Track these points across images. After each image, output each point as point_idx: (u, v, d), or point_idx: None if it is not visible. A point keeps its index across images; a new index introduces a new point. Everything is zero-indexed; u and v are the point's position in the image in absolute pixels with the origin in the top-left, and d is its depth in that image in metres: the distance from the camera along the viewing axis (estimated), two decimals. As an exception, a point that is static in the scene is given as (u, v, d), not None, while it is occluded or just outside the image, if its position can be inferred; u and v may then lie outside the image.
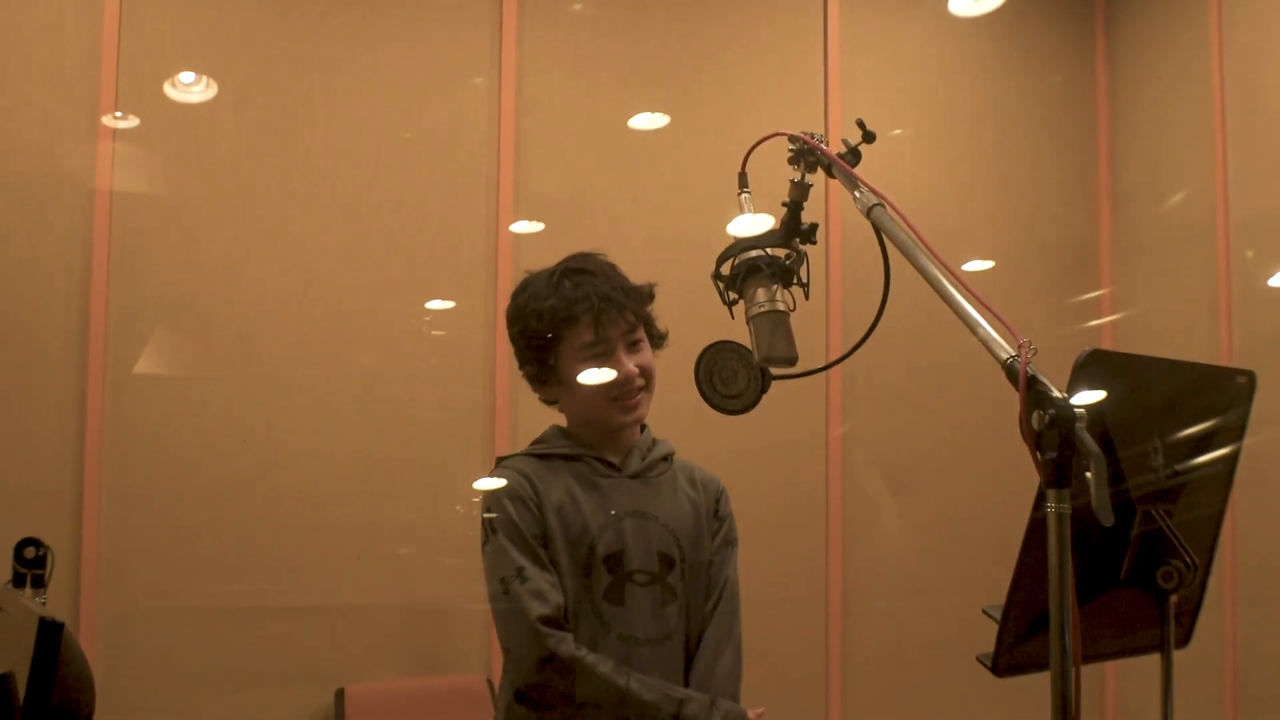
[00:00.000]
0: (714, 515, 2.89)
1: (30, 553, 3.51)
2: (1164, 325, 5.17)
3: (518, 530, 2.67)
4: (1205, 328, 5.00)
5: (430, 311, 4.45)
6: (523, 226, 4.55)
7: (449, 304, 4.48)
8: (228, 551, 4.14)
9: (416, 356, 4.40)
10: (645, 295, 2.85)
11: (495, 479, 2.75)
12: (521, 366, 2.84)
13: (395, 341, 4.39)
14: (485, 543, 2.70)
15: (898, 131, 5.19)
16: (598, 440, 2.81)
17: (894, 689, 5.00)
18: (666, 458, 2.88)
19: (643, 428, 2.89)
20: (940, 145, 5.28)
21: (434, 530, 4.35)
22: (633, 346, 2.78)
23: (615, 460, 2.80)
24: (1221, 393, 2.28)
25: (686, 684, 2.73)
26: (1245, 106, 4.90)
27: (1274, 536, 4.66)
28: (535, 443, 2.85)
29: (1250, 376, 2.28)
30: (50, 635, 1.29)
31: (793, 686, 4.81)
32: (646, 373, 2.80)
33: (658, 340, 2.88)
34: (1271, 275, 4.81)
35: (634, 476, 2.80)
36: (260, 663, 4.15)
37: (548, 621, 2.59)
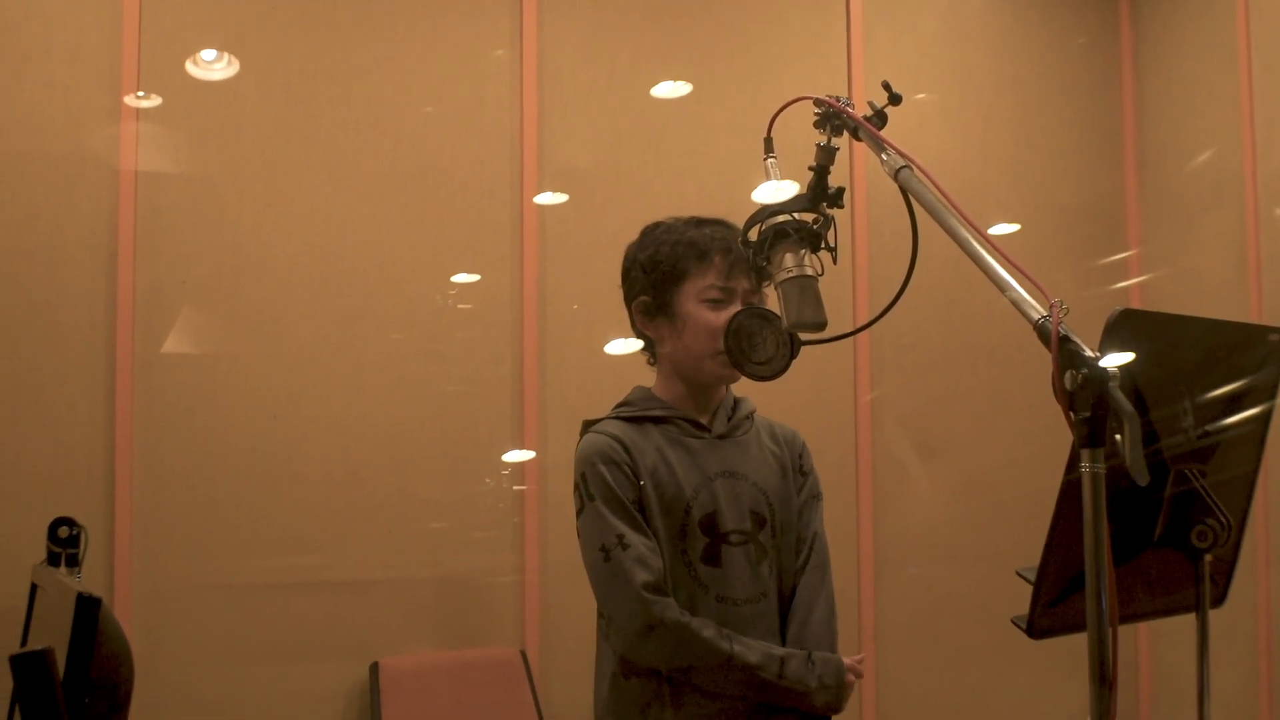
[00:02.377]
0: (799, 470, 2.90)
1: (64, 532, 3.52)
2: (1192, 286, 5.14)
3: (615, 495, 2.65)
4: (1234, 287, 4.97)
5: (456, 285, 4.45)
6: (547, 198, 4.54)
7: (474, 277, 4.47)
8: (260, 528, 4.16)
9: (443, 330, 4.40)
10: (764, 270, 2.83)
11: (587, 444, 2.72)
12: (633, 297, 2.80)
13: (421, 316, 4.39)
14: (580, 510, 2.68)
15: (921, 96, 5.16)
16: (685, 399, 2.78)
17: (926, 653, 5.00)
18: (750, 415, 2.86)
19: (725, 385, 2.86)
20: (963, 108, 5.25)
21: (464, 504, 4.36)
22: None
23: (704, 420, 2.78)
24: (1254, 351, 2.27)
25: (783, 641, 2.74)
26: (1273, 63, 4.86)
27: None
28: (622, 405, 2.82)
29: (1281, 334, 2.27)
30: (88, 611, 1.30)
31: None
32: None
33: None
34: (1300, 233, 4.78)
35: (722, 436, 2.78)
36: (295, 638, 4.16)
37: (652, 588, 2.58)
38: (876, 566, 4.91)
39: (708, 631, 2.59)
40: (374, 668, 4.15)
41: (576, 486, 2.70)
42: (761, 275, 2.61)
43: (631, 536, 2.62)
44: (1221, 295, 5.01)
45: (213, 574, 4.10)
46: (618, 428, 2.74)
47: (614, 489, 2.65)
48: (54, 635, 1.38)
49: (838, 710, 2.68)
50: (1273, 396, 2.28)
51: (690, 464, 2.72)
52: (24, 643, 1.83)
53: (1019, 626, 2.08)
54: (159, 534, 4.06)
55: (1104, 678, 1.64)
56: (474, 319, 4.45)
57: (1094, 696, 1.65)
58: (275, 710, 4.11)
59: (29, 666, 1.23)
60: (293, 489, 4.20)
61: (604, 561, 2.62)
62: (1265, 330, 2.27)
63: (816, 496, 2.92)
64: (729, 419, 2.81)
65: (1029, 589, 2.07)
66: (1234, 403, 2.22)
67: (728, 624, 2.64)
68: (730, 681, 2.59)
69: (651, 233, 2.80)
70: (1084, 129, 5.43)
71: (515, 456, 4.43)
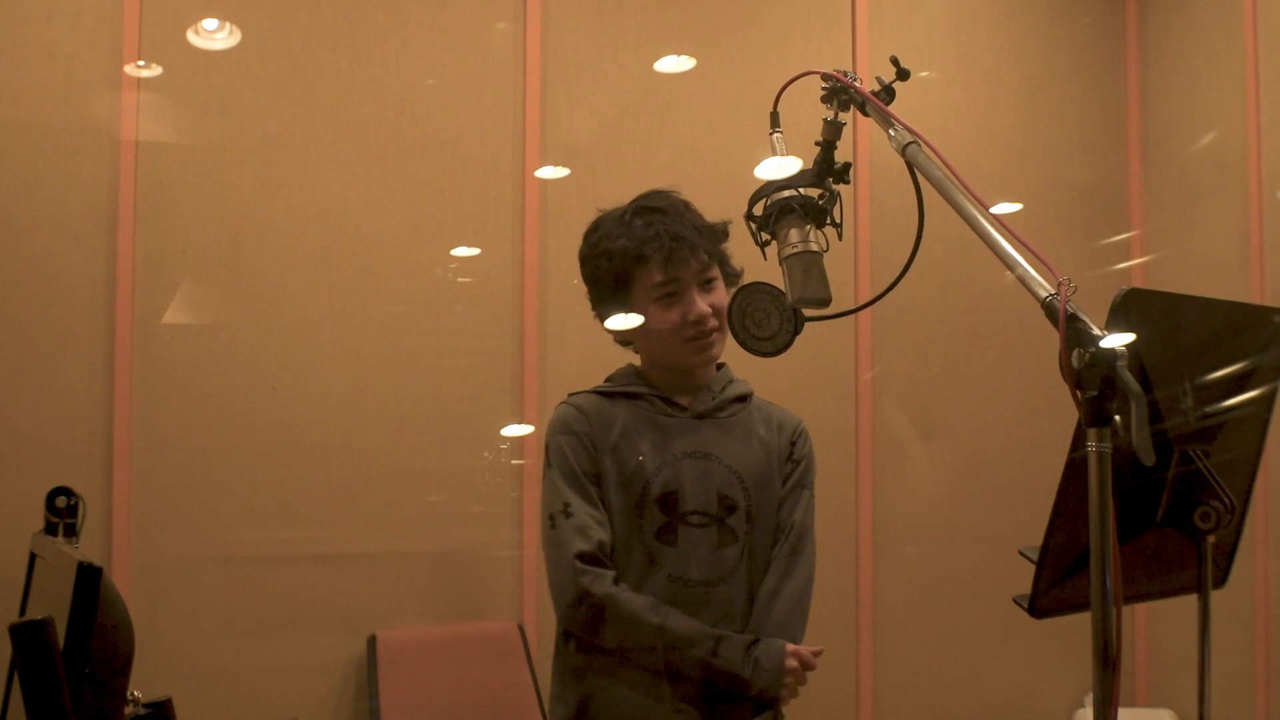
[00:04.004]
0: (788, 458, 2.88)
1: (62, 502, 3.52)
2: (1195, 267, 5.13)
3: (569, 465, 2.68)
4: (1236, 270, 4.96)
5: (456, 258, 4.44)
6: (549, 172, 4.53)
7: (475, 251, 4.46)
8: (258, 500, 4.15)
9: (443, 303, 4.39)
10: (719, 233, 2.81)
11: (555, 415, 2.77)
12: (594, 307, 2.83)
13: (422, 289, 4.38)
14: (544, 477, 2.74)
15: (925, 74, 5.15)
16: (671, 380, 2.80)
17: (924, 632, 5.00)
18: (742, 398, 2.86)
19: (719, 366, 2.87)
20: (968, 87, 5.23)
21: (463, 477, 4.35)
22: (705, 286, 2.75)
23: (684, 400, 2.79)
24: (1258, 332, 2.26)
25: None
26: (1278, 45, 4.85)
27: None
28: (607, 380, 2.86)
29: (1287, 315, 2.26)
30: (89, 580, 1.29)
31: (823, 630, 4.80)
32: (720, 312, 2.74)
33: (732, 278, 2.83)
34: (1304, 216, 4.77)
35: (701, 416, 2.78)
36: (292, 610, 4.16)
37: (586, 558, 2.60)
38: (875, 545, 4.91)
39: (635, 604, 2.60)
40: (371, 641, 4.15)
41: (545, 458, 2.76)
42: (716, 245, 2.75)
43: (577, 505, 2.65)
44: (1224, 277, 5.00)
45: (210, 545, 4.10)
46: (589, 400, 2.77)
47: (569, 459, 2.69)
48: (53, 605, 1.38)
49: (776, 695, 2.67)
50: (1276, 378, 2.27)
51: (658, 441, 2.73)
52: (23, 612, 1.82)
53: (1021, 606, 2.08)
54: (157, 505, 4.05)
55: (1107, 659, 1.64)
56: (474, 293, 4.44)
57: (1097, 678, 1.64)
58: (272, 682, 4.11)
59: (29, 636, 1.22)
60: (291, 461, 4.19)
61: (549, 529, 2.66)
62: (1270, 311, 2.27)
63: (804, 486, 2.91)
64: (713, 399, 2.80)
65: (1028, 568, 2.06)
66: (1238, 383, 2.21)
67: (678, 603, 2.65)
68: (661, 657, 2.59)
69: (590, 239, 2.82)
70: (1088, 109, 5.42)
71: (514, 431, 4.42)
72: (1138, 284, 5.35)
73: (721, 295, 2.75)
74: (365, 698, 4.14)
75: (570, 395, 2.83)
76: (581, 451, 2.69)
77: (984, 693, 5.08)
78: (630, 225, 2.73)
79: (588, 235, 2.82)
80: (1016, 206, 5.21)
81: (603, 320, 2.83)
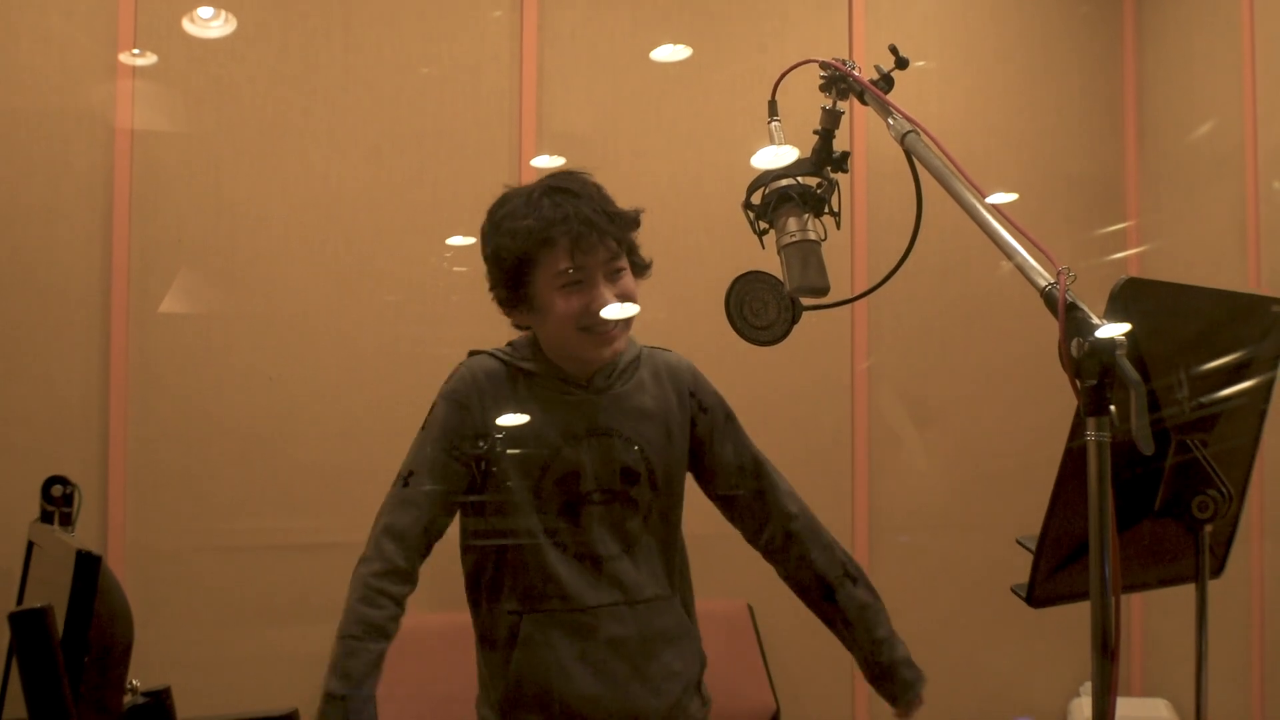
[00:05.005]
0: (699, 408, 2.80)
1: (57, 491, 3.51)
2: (1191, 257, 5.13)
3: (441, 437, 2.63)
4: (1233, 259, 4.96)
5: (451, 248, 4.43)
6: (545, 161, 4.52)
7: (470, 240, 4.45)
8: (254, 489, 4.15)
9: (439, 293, 4.39)
10: (630, 221, 2.66)
11: (458, 376, 2.68)
12: (491, 289, 2.69)
13: (418, 278, 4.37)
14: (421, 428, 2.69)
15: (921, 63, 5.14)
16: (565, 358, 2.66)
17: (921, 622, 4.98)
18: (635, 359, 2.74)
19: None
20: (964, 76, 5.23)
21: None
22: (613, 275, 2.60)
23: (582, 378, 2.66)
24: (1256, 322, 2.26)
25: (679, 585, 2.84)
26: (1275, 34, 4.84)
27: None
28: (510, 345, 2.73)
29: (1284, 304, 2.26)
30: (88, 568, 1.29)
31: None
32: (632, 295, 2.63)
33: (641, 268, 2.69)
34: (1299, 207, 4.78)
35: (600, 391, 2.66)
36: (287, 600, 4.16)
37: (394, 535, 2.63)
38: (871, 534, 4.91)
39: (355, 595, 2.67)
40: (368, 630, 4.15)
41: (432, 405, 2.69)
42: (627, 232, 2.64)
43: (421, 478, 2.61)
44: (1220, 267, 5.00)
45: (206, 535, 4.10)
46: (492, 371, 2.67)
47: (445, 431, 2.63)
48: (52, 593, 1.37)
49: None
50: (1274, 367, 2.28)
51: (554, 421, 2.63)
52: (20, 601, 1.82)
53: (1019, 595, 2.08)
54: (152, 494, 4.05)
55: (1106, 648, 1.64)
56: (470, 282, 4.43)
57: (1096, 667, 1.65)
58: (267, 672, 4.10)
59: (28, 624, 1.22)
60: (287, 451, 4.19)
61: (391, 485, 2.65)
62: (1268, 301, 2.27)
63: (730, 420, 2.83)
64: (609, 373, 2.69)
65: (1025, 558, 2.07)
66: (1236, 373, 2.22)
67: (584, 580, 2.61)
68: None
69: (494, 216, 2.66)
70: (1085, 99, 5.41)
71: (509, 420, 4.41)
72: (1134, 274, 5.35)
73: (630, 285, 2.63)
74: (361, 687, 4.14)
75: (474, 354, 2.73)
76: (463, 429, 2.62)
77: (980, 682, 5.08)
78: (538, 205, 2.57)
79: (492, 212, 2.67)
80: (1012, 197, 5.21)
81: (498, 302, 2.69)
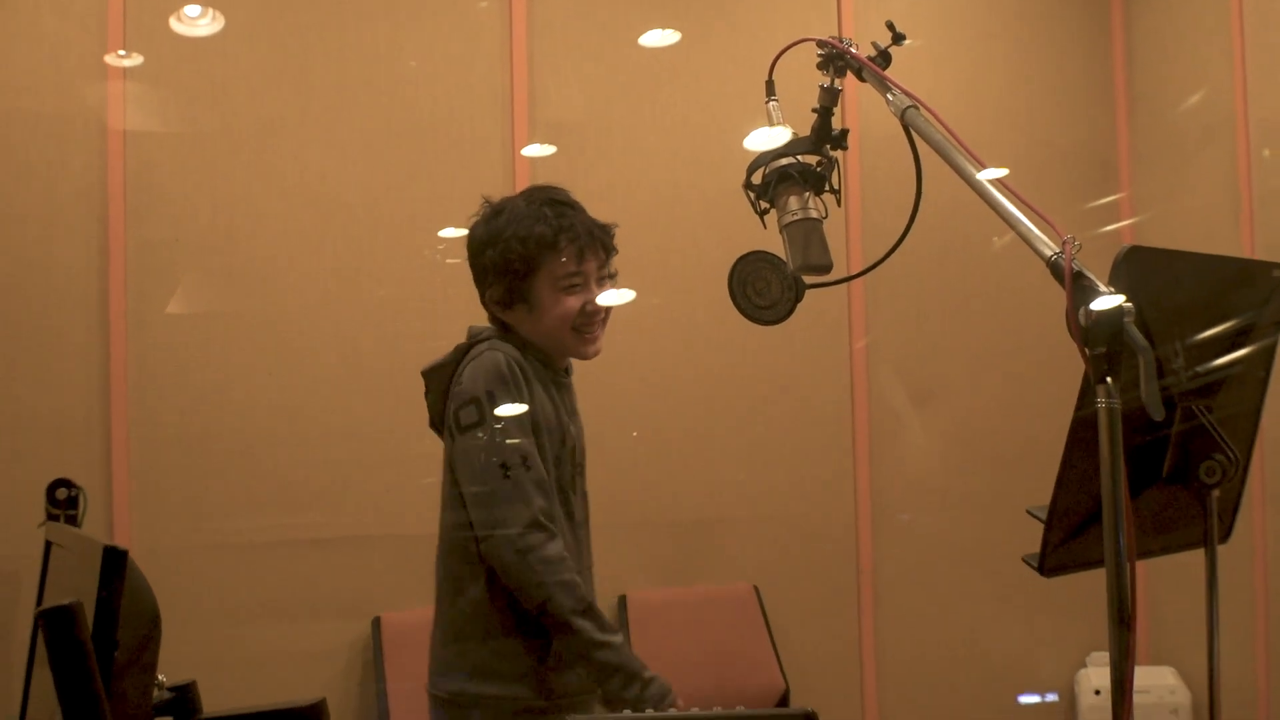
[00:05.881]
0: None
1: (63, 493, 3.53)
2: (1184, 227, 5.14)
3: (517, 415, 2.75)
4: (1226, 229, 4.97)
5: (445, 240, 4.43)
6: (537, 150, 4.52)
7: (464, 232, 4.44)
8: (258, 486, 4.15)
9: (434, 286, 4.38)
10: (612, 233, 2.93)
11: (493, 361, 2.78)
12: (484, 288, 2.90)
13: (413, 271, 4.37)
14: (479, 421, 2.74)
15: (909, 40, 5.13)
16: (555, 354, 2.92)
17: (925, 598, 5.02)
18: None
19: None
20: (954, 50, 5.23)
21: (407, 464, 4.30)
22: (604, 281, 2.89)
23: (560, 368, 2.93)
24: (1257, 287, 2.27)
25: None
26: (1263, 4, 4.86)
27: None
28: (505, 334, 2.89)
29: (1283, 270, 2.27)
30: (115, 562, 1.29)
31: (824, 601, 4.83)
32: (609, 309, 2.90)
33: (613, 279, 2.96)
34: (1291, 173, 4.79)
35: (567, 373, 2.95)
36: (295, 595, 4.17)
37: (548, 515, 2.70)
38: (874, 512, 4.92)
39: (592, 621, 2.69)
40: (375, 623, 4.16)
41: (475, 400, 2.75)
42: (612, 243, 2.89)
43: (535, 459, 2.72)
44: (1214, 236, 5.02)
45: (211, 533, 4.10)
46: (513, 350, 2.82)
47: (519, 416, 2.75)
48: (74, 592, 1.38)
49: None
50: (1276, 333, 2.28)
51: (557, 398, 2.86)
52: (40, 601, 1.83)
53: (1031, 565, 2.09)
54: (156, 494, 4.05)
55: (1123, 615, 1.65)
56: (466, 274, 4.42)
57: (1113, 634, 1.66)
58: (278, 667, 4.11)
59: (59, 622, 1.22)
60: (289, 446, 4.19)
61: (502, 478, 2.68)
62: (1269, 266, 2.28)
63: None
64: (568, 366, 2.98)
65: (1027, 532, 2.08)
66: (1238, 338, 2.22)
67: (580, 547, 2.86)
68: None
69: (494, 222, 2.86)
70: (1075, 70, 5.42)
71: (507, 410, 4.41)
72: (1127, 244, 5.35)
73: (612, 294, 2.90)
74: (372, 680, 4.15)
75: (488, 339, 2.86)
76: (522, 403, 2.76)
77: (986, 656, 5.10)
78: (542, 214, 2.81)
79: (490, 219, 2.87)
80: (1003, 171, 5.19)
81: (491, 301, 2.89)
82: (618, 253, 2.92)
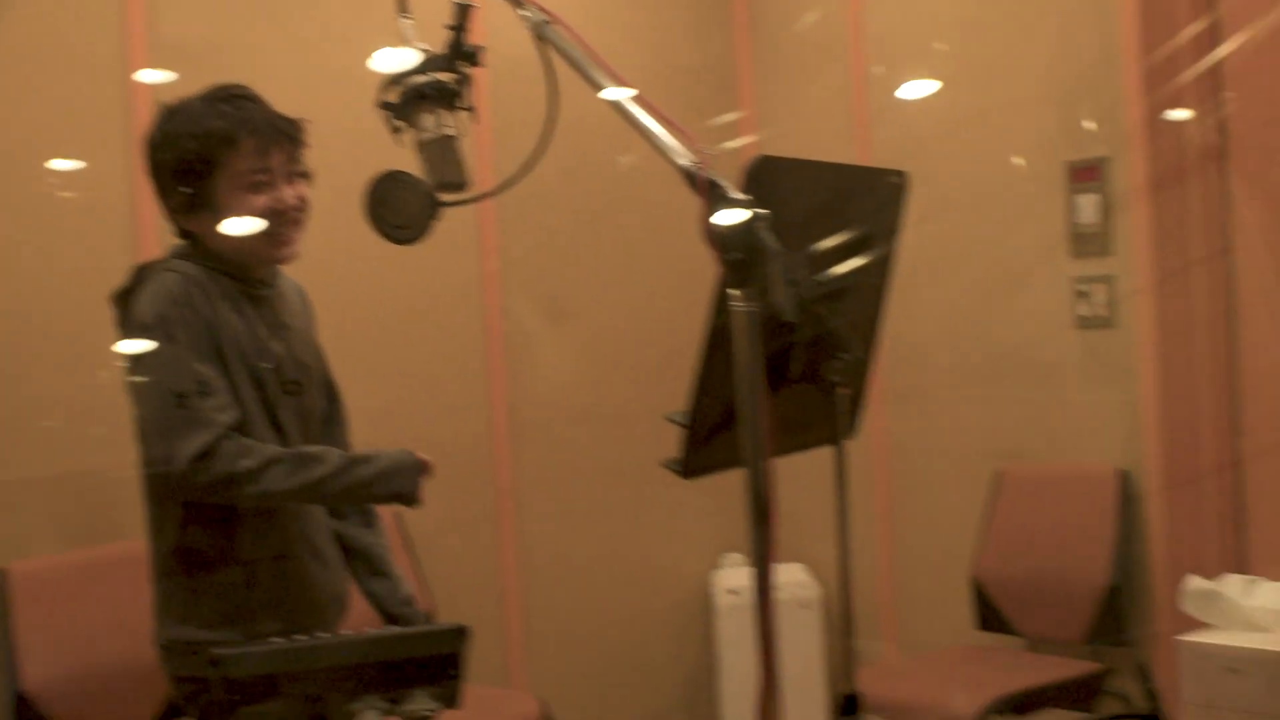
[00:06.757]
0: (311, 320, 2.96)
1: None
2: (803, 143, 5.33)
3: (192, 340, 2.57)
4: (842, 144, 5.18)
5: (57, 172, 4.21)
6: (155, 76, 4.33)
7: (79, 164, 4.24)
8: None
9: (47, 221, 4.15)
10: (301, 126, 2.77)
11: (165, 284, 2.61)
12: (164, 196, 2.71)
13: (22, 206, 4.12)
14: (151, 351, 2.57)
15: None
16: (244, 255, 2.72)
17: (566, 509, 5.10)
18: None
19: None
20: (576, -26, 5.25)
21: (79, 400, 4.13)
22: (292, 179, 2.72)
23: (258, 274, 2.75)
24: (878, 194, 2.38)
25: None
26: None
27: (918, 335, 4.93)
28: (174, 252, 2.74)
29: (902, 176, 2.38)
30: None
31: (465, 519, 4.84)
32: (304, 206, 2.73)
33: (306, 178, 2.79)
34: (900, 88, 5.01)
35: (270, 288, 2.78)
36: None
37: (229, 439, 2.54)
38: (512, 429, 4.95)
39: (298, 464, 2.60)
40: (1, 574, 3.97)
41: (144, 328, 2.59)
42: (301, 137, 2.74)
43: (215, 385, 2.56)
44: (831, 152, 5.22)
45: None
46: (194, 271, 2.65)
47: (189, 333, 2.57)
48: None
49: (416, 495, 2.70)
50: (893, 239, 2.40)
51: (254, 316, 2.69)
52: None
53: (672, 469, 2.15)
54: None
55: (762, 513, 1.72)
56: (80, 208, 4.22)
57: (754, 532, 1.72)
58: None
59: None
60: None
61: (176, 408, 2.53)
62: (886, 174, 2.39)
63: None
64: (273, 275, 2.81)
65: (663, 439, 2.13)
66: (861, 245, 2.33)
67: None
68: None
69: (170, 124, 2.69)
70: (695, -9, 5.53)
71: (181, 335, 4.26)
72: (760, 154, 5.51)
73: (305, 190, 2.74)
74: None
75: (165, 261, 2.71)
76: (199, 325, 2.58)
77: (627, 561, 5.23)
78: (218, 110, 2.64)
79: (162, 121, 2.69)
80: (631, 91, 5.26)
81: (170, 209, 2.72)
82: (308, 147, 2.77)
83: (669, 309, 5.11)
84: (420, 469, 2.68)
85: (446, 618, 4.48)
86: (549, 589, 5.05)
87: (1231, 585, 2.74)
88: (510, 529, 4.95)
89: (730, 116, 5.54)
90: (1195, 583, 2.72)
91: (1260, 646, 2.53)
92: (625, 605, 5.26)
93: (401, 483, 2.66)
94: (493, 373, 4.94)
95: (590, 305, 5.19)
